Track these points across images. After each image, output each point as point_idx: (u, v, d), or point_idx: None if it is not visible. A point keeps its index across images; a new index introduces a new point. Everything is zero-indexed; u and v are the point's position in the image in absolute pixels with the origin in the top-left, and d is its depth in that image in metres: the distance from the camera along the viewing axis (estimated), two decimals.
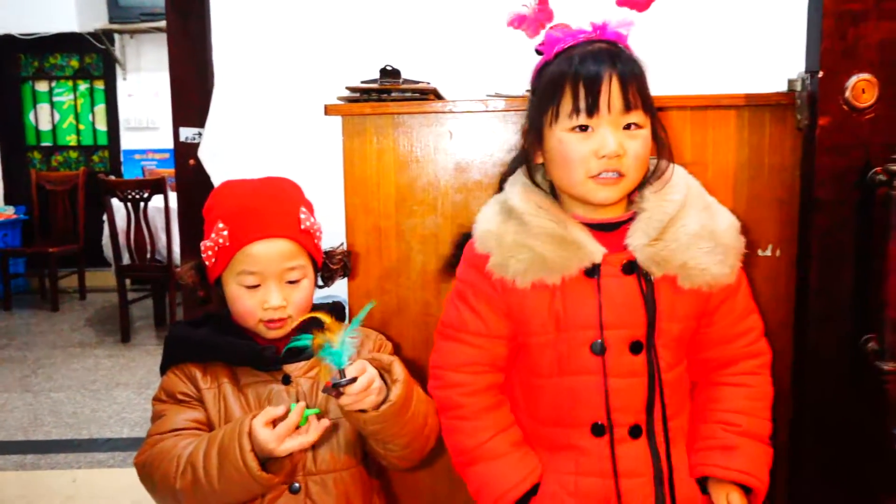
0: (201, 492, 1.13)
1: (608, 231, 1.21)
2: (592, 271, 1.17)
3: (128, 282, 4.60)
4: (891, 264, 1.25)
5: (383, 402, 1.14)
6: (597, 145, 1.13)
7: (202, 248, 1.27)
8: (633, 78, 1.14)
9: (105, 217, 4.51)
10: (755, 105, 1.42)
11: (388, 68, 1.56)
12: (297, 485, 1.22)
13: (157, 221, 4.48)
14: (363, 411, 1.14)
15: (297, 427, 1.14)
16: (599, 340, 1.17)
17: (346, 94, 1.56)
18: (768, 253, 1.46)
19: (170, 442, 1.18)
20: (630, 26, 1.19)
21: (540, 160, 1.24)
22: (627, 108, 1.13)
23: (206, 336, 1.28)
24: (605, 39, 1.17)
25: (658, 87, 1.52)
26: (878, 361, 1.28)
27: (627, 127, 1.14)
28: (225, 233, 1.22)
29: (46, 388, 3.78)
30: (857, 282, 1.32)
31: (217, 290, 1.29)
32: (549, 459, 1.24)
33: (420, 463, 1.29)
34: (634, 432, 1.19)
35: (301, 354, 1.20)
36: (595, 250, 1.17)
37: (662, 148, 1.22)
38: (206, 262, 1.27)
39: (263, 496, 1.20)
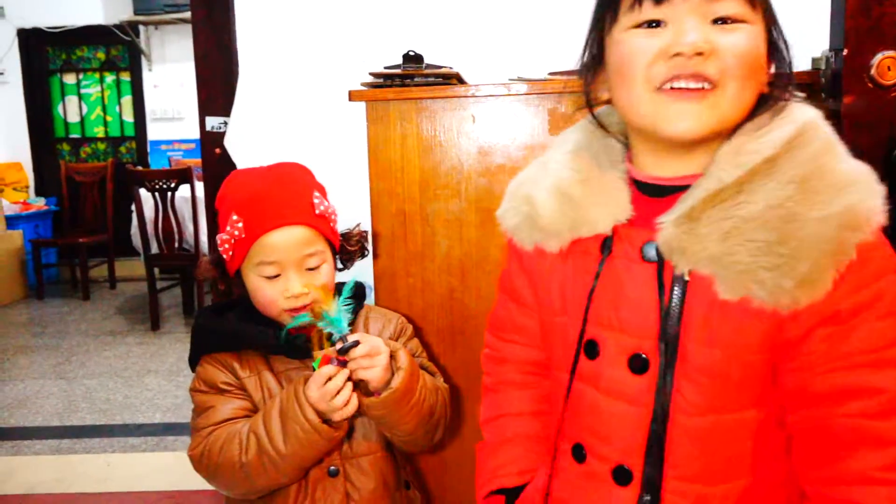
0: (269, 459, 1.14)
1: (663, 196, 0.85)
2: (609, 246, 0.86)
3: (156, 270, 4.66)
4: None
5: (385, 387, 1.16)
6: (668, 40, 0.77)
7: (218, 241, 1.24)
8: None
9: (133, 207, 4.57)
10: None
11: (411, 53, 1.57)
12: (335, 468, 1.24)
13: (185, 211, 4.54)
14: (368, 394, 1.17)
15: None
16: (594, 340, 0.87)
17: (370, 79, 1.57)
18: None
19: (225, 430, 1.19)
20: None
21: (606, 95, 0.89)
22: None
23: (235, 324, 1.27)
24: None
25: None
26: None
27: (720, 22, 0.77)
28: (240, 224, 1.20)
29: (80, 375, 3.85)
30: None
31: (238, 282, 1.28)
32: (545, 476, 0.97)
33: (442, 444, 1.31)
34: (620, 477, 0.85)
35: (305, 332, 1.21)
36: (600, 217, 0.86)
37: (781, 73, 0.82)
38: (224, 256, 1.24)
39: (306, 479, 1.23)
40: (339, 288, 1.28)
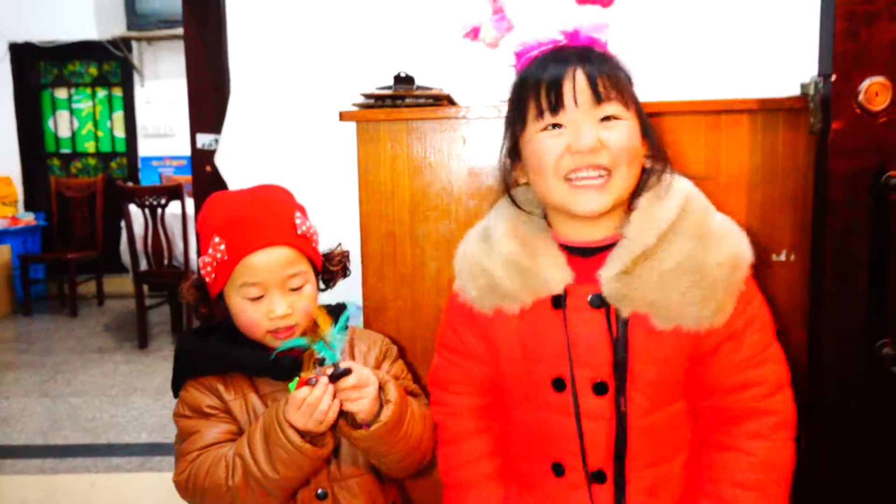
0: (255, 482, 1.13)
1: (590, 256, 1.11)
2: (559, 302, 1.09)
3: (145, 288, 4.63)
4: None
5: (374, 419, 1.15)
6: (570, 139, 1.03)
7: (200, 264, 1.24)
8: (602, 70, 1.04)
9: (123, 223, 4.56)
10: (768, 109, 1.42)
11: (402, 75, 1.57)
12: (323, 491, 1.23)
13: (175, 228, 4.52)
14: (356, 427, 1.16)
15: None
16: (560, 378, 1.10)
17: (361, 100, 1.57)
18: (783, 258, 1.45)
19: (210, 454, 1.18)
20: (604, 29, 1.10)
21: (523, 179, 1.15)
22: (599, 99, 1.03)
23: (219, 347, 1.25)
24: (578, 46, 1.09)
25: (672, 92, 1.53)
26: (894, 366, 1.28)
27: (606, 120, 1.04)
28: (222, 247, 1.20)
29: (65, 393, 3.81)
30: (872, 285, 1.31)
31: (220, 305, 1.27)
32: (519, 496, 1.19)
33: (429, 467, 1.30)
34: (598, 477, 1.10)
35: (299, 352, 1.20)
36: (554, 280, 1.09)
37: (656, 152, 1.10)
38: (206, 278, 1.24)
39: (295, 502, 1.22)
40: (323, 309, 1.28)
